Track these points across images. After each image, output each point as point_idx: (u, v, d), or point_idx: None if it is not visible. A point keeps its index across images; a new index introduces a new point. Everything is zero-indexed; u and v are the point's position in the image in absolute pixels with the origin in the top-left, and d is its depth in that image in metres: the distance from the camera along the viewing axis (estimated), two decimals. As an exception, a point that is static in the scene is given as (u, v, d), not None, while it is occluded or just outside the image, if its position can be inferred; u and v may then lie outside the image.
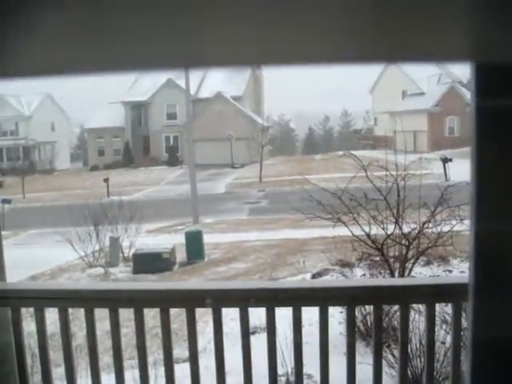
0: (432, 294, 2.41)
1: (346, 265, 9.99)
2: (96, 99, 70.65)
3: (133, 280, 14.95)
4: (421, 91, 56.56)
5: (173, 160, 55.76)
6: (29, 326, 3.19)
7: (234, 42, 0.65)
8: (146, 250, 16.23)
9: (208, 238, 17.89)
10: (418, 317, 3.89)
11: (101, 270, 15.70)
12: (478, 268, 1.09)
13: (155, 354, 6.18)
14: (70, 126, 75.76)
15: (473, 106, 1.10)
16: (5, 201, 24.02)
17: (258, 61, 0.73)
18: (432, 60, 0.77)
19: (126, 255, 17.17)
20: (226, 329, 2.71)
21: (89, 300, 2.69)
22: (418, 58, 0.77)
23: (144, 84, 60.18)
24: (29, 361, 2.98)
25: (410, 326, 2.66)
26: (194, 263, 16.11)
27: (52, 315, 3.06)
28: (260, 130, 45.11)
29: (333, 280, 6.84)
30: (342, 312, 5.01)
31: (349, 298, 2.50)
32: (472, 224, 1.10)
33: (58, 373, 3.36)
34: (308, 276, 10.41)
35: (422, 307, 3.37)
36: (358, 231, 8.70)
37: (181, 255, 16.84)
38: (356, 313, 2.75)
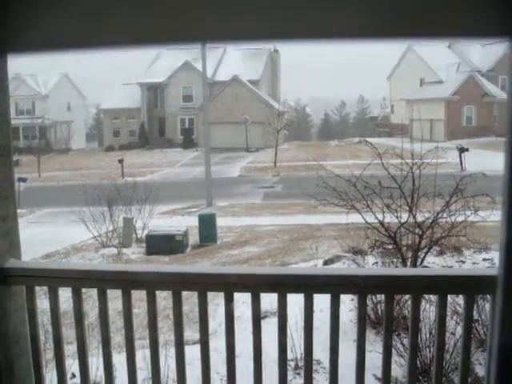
0: (444, 285, 2.40)
1: (358, 252, 9.97)
2: (112, 80, 70.76)
3: (146, 261, 15.05)
4: (439, 79, 56.04)
5: (188, 142, 55.83)
6: (42, 303, 3.22)
7: (250, 17, 0.64)
8: (160, 232, 16.30)
9: (221, 222, 17.94)
10: (428, 306, 3.89)
11: (114, 251, 15.80)
12: (510, 260, 1.05)
13: (166, 334, 6.23)
14: (86, 106, 76.10)
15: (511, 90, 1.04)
16: (21, 179, 24.18)
17: (276, 36, 0.70)
18: (465, 36, 0.71)
19: (139, 236, 17.27)
20: (237, 312, 2.73)
21: (102, 281, 2.72)
22: (450, 35, 0.72)
23: (161, 66, 60.16)
24: (42, 338, 3.02)
25: (421, 316, 2.66)
26: (207, 246, 16.17)
27: (65, 293, 3.09)
28: (276, 115, 44.97)
29: (345, 268, 6.84)
30: (352, 299, 5.03)
31: (361, 286, 2.50)
32: (504, 215, 1.05)
33: (71, 350, 3.41)
34: (320, 262, 10.41)
35: (433, 297, 3.37)
36: (371, 219, 8.68)
37: (194, 238, 16.91)
38: (367, 301, 2.75)
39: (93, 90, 74.25)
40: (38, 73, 66.36)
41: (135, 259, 15.37)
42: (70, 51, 0.81)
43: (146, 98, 60.20)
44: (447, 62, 56.70)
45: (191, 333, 5.94)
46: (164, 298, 6.49)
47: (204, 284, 2.64)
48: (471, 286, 2.36)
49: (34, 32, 0.72)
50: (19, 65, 50.22)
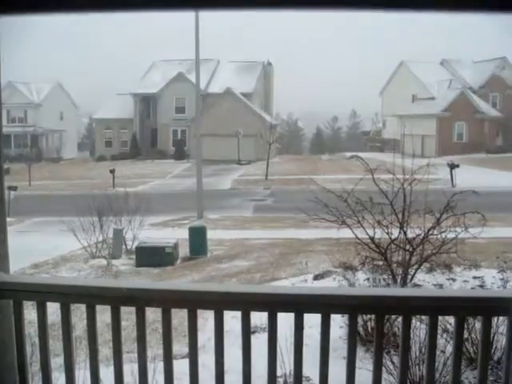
0: (436, 306, 2.40)
1: (348, 268, 9.95)
2: (106, 90, 70.67)
3: (135, 273, 14.99)
4: (431, 95, 56.39)
5: (180, 154, 55.83)
6: (29, 313, 3.19)
7: None
8: (150, 244, 16.26)
9: (212, 234, 17.91)
10: (418, 324, 3.89)
11: (103, 262, 15.73)
12: None
13: (154, 348, 6.17)
14: (79, 116, 75.97)
15: None
16: (11, 188, 24.08)
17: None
18: (466, 8, 0.57)
19: (129, 248, 17.20)
20: (226, 327, 2.71)
21: (91, 296, 2.71)
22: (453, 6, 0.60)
23: (154, 77, 60.31)
24: (28, 349, 2.99)
25: (411, 335, 2.66)
26: (197, 259, 16.13)
27: (53, 304, 3.05)
28: (268, 128, 45.07)
29: (336, 287, 6.83)
30: (343, 316, 5.00)
31: (352, 306, 2.49)
32: None
33: (57, 363, 3.37)
34: (310, 277, 10.41)
35: (423, 316, 3.36)
36: (362, 234, 8.68)
37: (184, 250, 16.86)
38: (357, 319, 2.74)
39: (86, 99, 74.17)
40: (31, 81, 66.34)
41: (124, 271, 15.30)
42: (59, 12, 0.75)
43: (138, 109, 60.22)
44: (439, 78, 57.14)
45: (179, 347, 5.89)
46: (153, 311, 6.44)
47: (194, 302, 2.63)
48: (462, 307, 2.36)
49: None
50: (12, 72, 50.10)
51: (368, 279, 7.95)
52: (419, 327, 3.92)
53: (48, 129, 63.49)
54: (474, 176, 31.31)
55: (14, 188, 25.16)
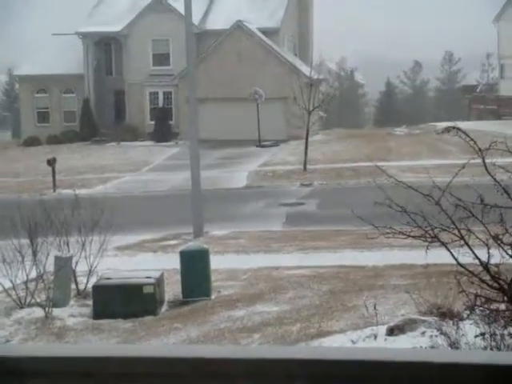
0: None
1: (446, 314, 9.91)
2: (37, 30, 71.18)
3: (92, 329, 15.03)
4: None
5: (163, 132, 56.00)
6: None
7: None
8: (117, 280, 16.32)
9: (218, 262, 17.93)
10: None
11: (39, 313, 15.78)
12: None
13: None
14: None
15: None
16: None
17: None
18: None
19: (82, 287, 17.25)
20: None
21: (17, 374, 2.68)
22: None
23: (116, 5, 60.01)
24: None
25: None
26: (194, 302, 16.17)
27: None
28: (306, 85, 45.02)
29: (426, 350, 6.77)
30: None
31: (457, 381, 2.43)
32: None
33: None
34: (382, 331, 10.38)
35: None
36: (467, 258, 8.62)
37: (173, 288, 16.92)
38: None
39: (2, 46, 74.79)
40: None
41: (75, 326, 15.36)
42: None
43: (92, 59, 60.40)
44: None
45: None
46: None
47: (192, 376, 2.60)
48: None
49: None
50: None
51: (482, 335, 7.89)
52: None
53: None
54: None
55: None
